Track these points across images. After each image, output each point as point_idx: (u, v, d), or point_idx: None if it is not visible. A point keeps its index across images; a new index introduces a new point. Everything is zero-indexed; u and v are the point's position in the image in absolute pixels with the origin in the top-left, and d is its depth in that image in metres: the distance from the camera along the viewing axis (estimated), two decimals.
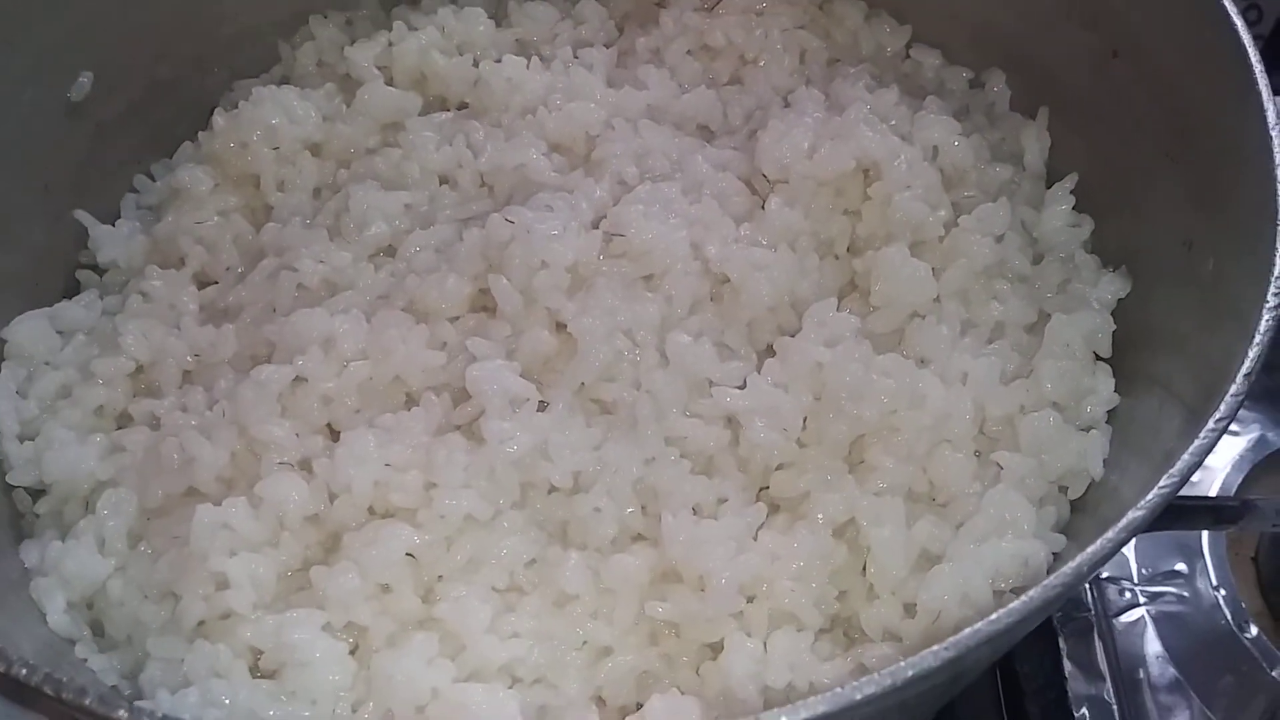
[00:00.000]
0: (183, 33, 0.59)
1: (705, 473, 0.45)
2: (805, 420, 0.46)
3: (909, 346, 0.48)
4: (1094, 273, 0.50)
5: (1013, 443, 0.45)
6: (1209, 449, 0.34)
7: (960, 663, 0.29)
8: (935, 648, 0.29)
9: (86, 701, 0.31)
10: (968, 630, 0.30)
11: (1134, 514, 0.34)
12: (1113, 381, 0.47)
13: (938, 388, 0.45)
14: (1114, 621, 0.63)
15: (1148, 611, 0.65)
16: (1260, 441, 0.70)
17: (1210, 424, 0.34)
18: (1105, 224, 0.51)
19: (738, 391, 0.46)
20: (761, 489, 0.46)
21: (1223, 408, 0.34)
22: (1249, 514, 0.59)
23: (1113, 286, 0.49)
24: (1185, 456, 0.33)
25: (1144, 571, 0.65)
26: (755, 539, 0.43)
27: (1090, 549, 0.32)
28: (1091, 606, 0.62)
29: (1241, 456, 0.70)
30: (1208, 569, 0.65)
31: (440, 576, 0.43)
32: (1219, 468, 0.68)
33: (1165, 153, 0.47)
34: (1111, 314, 0.48)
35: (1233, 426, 0.70)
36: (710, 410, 0.46)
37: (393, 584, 0.42)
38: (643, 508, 0.45)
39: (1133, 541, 0.64)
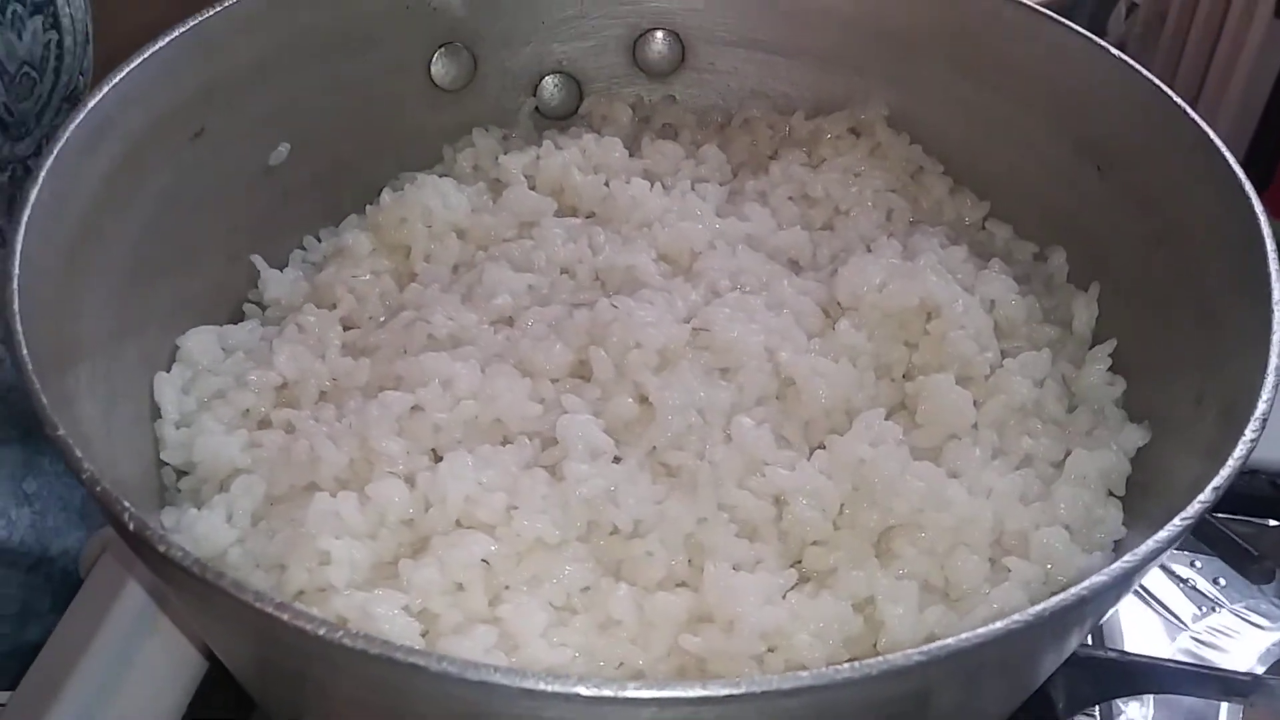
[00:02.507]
0: (366, 126, 0.70)
1: (749, 538, 0.51)
2: (842, 506, 0.52)
3: (944, 461, 0.54)
4: (1119, 424, 0.56)
5: (1024, 553, 0.51)
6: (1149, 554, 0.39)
7: (899, 681, 0.34)
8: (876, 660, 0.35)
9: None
10: (916, 650, 0.35)
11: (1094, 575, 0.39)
12: (1121, 515, 0.52)
13: (963, 496, 0.51)
14: None
15: None
16: None
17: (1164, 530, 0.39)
18: (1135, 383, 0.58)
19: (786, 472, 0.52)
20: (796, 562, 0.52)
21: (1176, 520, 0.39)
22: (1260, 690, 0.62)
23: (1134, 436, 0.55)
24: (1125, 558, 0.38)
25: None
26: (784, 598, 0.49)
27: (1057, 598, 0.37)
28: None
29: (1268, 650, 0.73)
30: None
31: (507, 586, 0.49)
32: (1245, 657, 0.72)
33: (1191, 325, 0.54)
34: (1130, 460, 0.54)
35: (1262, 621, 0.75)
36: (761, 486, 0.52)
37: (466, 584, 0.49)
38: (689, 560, 0.51)
39: (1150, 708, 0.69)
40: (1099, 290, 0.62)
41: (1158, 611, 0.76)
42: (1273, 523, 0.79)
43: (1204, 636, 0.75)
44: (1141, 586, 0.77)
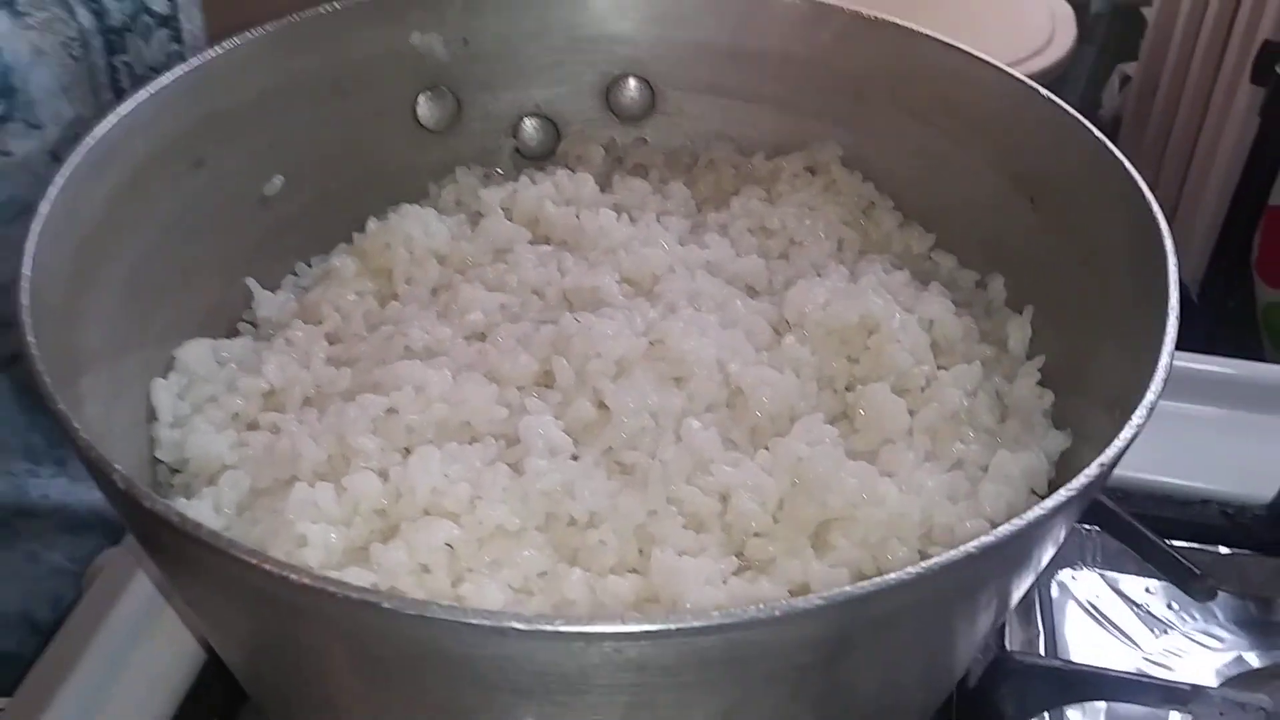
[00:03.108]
0: (355, 162, 0.75)
1: (695, 530, 0.55)
2: (782, 501, 0.56)
3: (879, 462, 0.58)
4: (1045, 431, 0.60)
5: (950, 544, 0.54)
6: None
7: (802, 625, 0.38)
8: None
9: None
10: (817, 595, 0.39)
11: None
12: None
13: (895, 493, 0.55)
14: None
15: None
16: (1237, 661, 0.77)
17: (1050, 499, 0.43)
18: (1061, 395, 0.62)
19: (731, 470, 0.56)
20: (738, 553, 0.56)
21: (1061, 491, 0.43)
22: (1198, 698, 0.66)
23: (1057, 441, 0.59)
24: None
25: None
26: (724, 582, 0.53)
27: (945, 555, 0.41)
28: None
29: (1217, 671, 0.76)
30: None
31: (469, 569, 0.53)
32: (1197, 676, 0.75)
33: (1107, 340, 0.58)
34: (1054, 464, 0.58)
35: (1212, 643, 0.79)
36: (708, 484, 0.56)
37: (431, 566, 0.53)
38: (639, 549, 0.55)
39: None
40: (1032, 313, 0.66)
41: (1112, 633, 0.79)
42: (1224, 550, 0.83)
43: (1157, 658, 0.78)
44: (1096, 609, 0.80)
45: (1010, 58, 2.51)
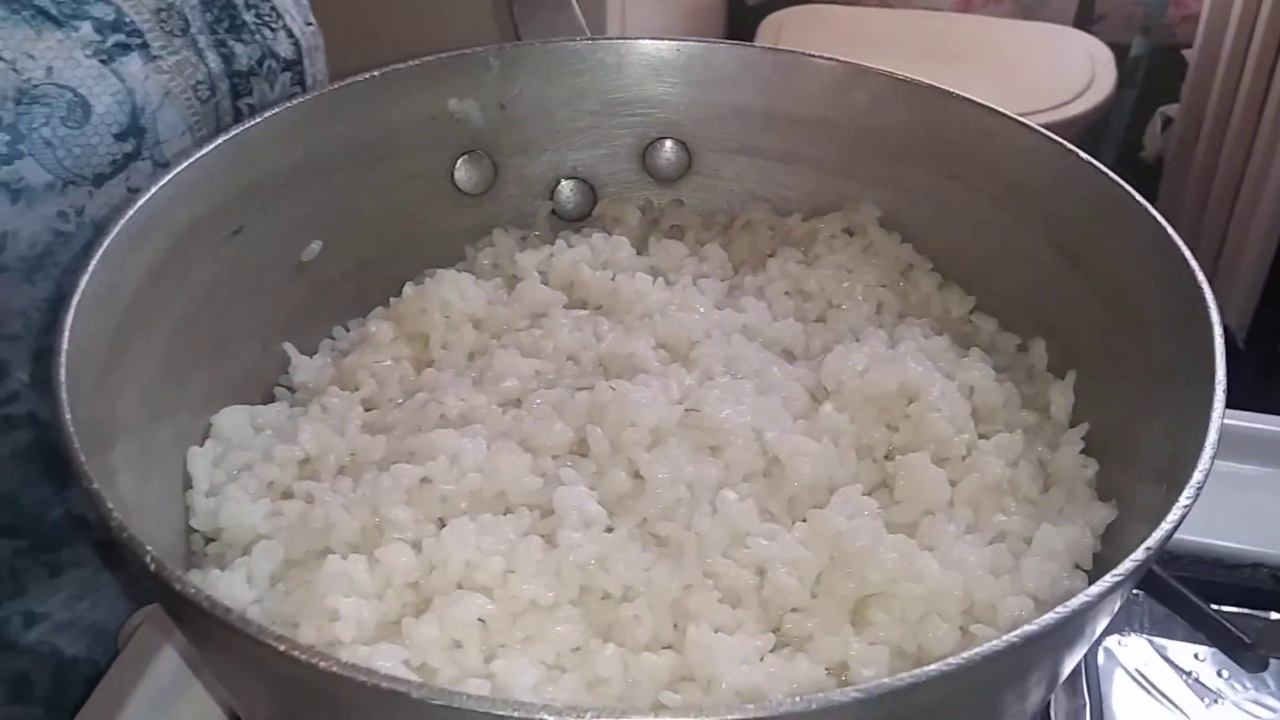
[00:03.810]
0: (393, 226, 0.75)
1: (731, 604, 0.54)
2: (820, 576, 0.55)
3: (919, 535, 0.57)
4: (1089, 502, 0.59)
5: (992, 621, 0.53)
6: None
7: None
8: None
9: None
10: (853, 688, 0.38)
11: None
12: (1087, 586, 0.54)
13: (935, 568, 0.54)
14: None
15: None
16: None
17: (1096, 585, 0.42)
18: (1106, 464, 0.61)
19: (768, 543, 0.55)
20: (775, 629, 0.55)
21: (1107, 577, 0.42)
22: None
23: (1102, 514, 0.57)
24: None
25: None
26: (761, 660, 0.52)
27: (987, 645, 0.40)
28: None
29: None
30: None
31: (502, 644, 0.53)
32: None
33: (1153, 410, 0.57)
34: (1100, 537, 0.57)
35: (1265, 714, 0.76)
36: (744, 556, 0.55)
37: (464, 641, 0.52)
38: (674, 624, 0.54)
39: None
40: (1075, 378, 0.65)
41: (1161, 703, 0.78)
42: (1275, 615, 0.81)
43: None
44: (1144, 677, 0.78)
45: (1051, 101, 2.51)
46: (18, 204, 0.68)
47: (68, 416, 0.48)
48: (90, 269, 0.55)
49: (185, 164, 0.62)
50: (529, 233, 0.78)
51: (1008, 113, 0.68)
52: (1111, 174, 0.63)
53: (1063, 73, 2.62)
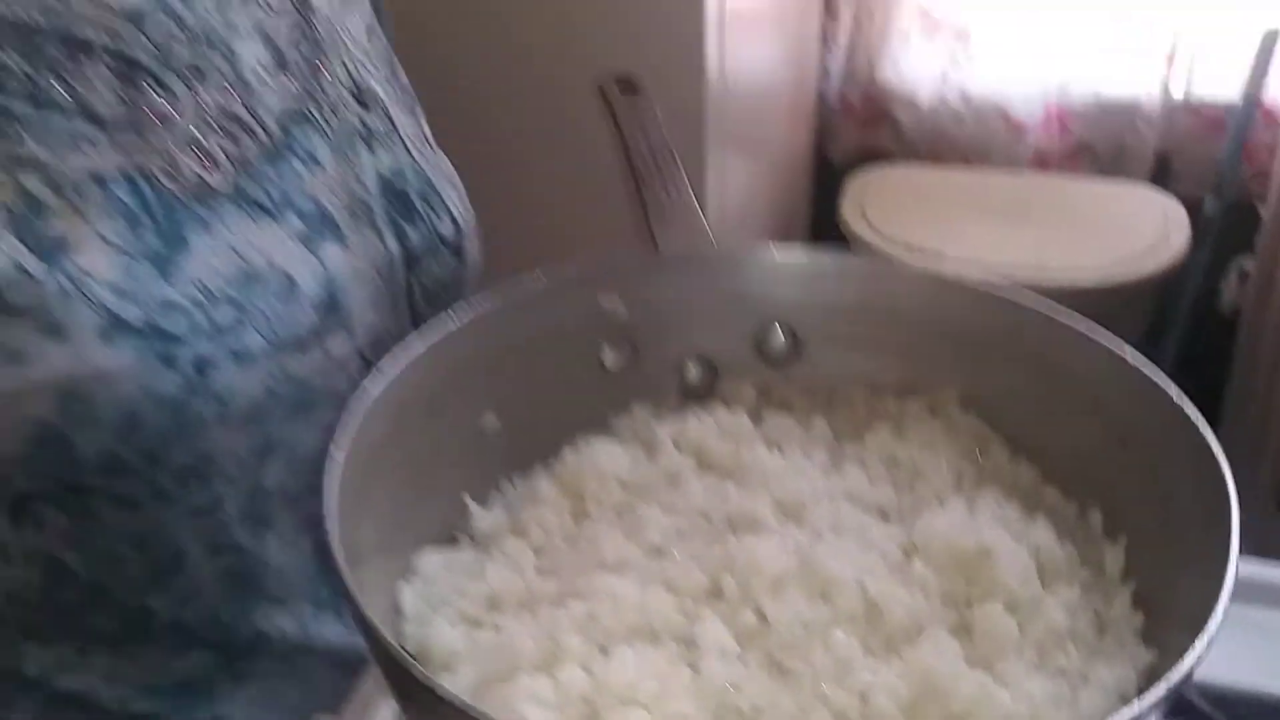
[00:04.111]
0: (551, 399, 0.90)
1: None
2: (913, 703, 0.67)
3: (994, 672, 0.69)
4: (1135, 647, 0.71)
5: None
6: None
7: None
8: None
9: None
10: None
11: None
12: None
13: (1007, 699, 0.66)
14: None
15: None
16: None
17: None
18: (1151, 616, 0.73)
19: (869, 676, 0.68)
20: None
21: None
22: None
23: (1145, 657, 0.69)
24: None
25: None
26: None
27: None
28: None
29: None
30: None
31: None
32: None
33: (1187, 571, 0.70)
34: (1142, 675, 0.69)
35: None
36: (851, 684, 0.67)
37: None
38: None
39: None
40: (1125, 542, 0.78)
41: None
42: None
43: None
44: None
45: (1126, 257, 2.63)
46: (240, 367, 0.79)
47: (340, 554, 0.63)
48: (343, 443, 0.71)
49: (403, 360, 0.78)
50: (663, 405, 0.94)
51: (1069, 321, 0.82)
52: (1151, 372, 0.76)
53: (1137, 230, 2.74)
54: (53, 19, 0.73)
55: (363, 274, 0.90)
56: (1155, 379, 0.76)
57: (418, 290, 0.97)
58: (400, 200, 0.93)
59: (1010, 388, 0.87)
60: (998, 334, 0.86)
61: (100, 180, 0.74)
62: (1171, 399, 0.74)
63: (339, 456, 0.70)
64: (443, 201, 0.98)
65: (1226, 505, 0.66)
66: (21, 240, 0.70)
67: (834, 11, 3.11)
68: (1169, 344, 2.96)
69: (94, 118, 0.74)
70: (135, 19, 0.77)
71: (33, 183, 0.71)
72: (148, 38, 0.79)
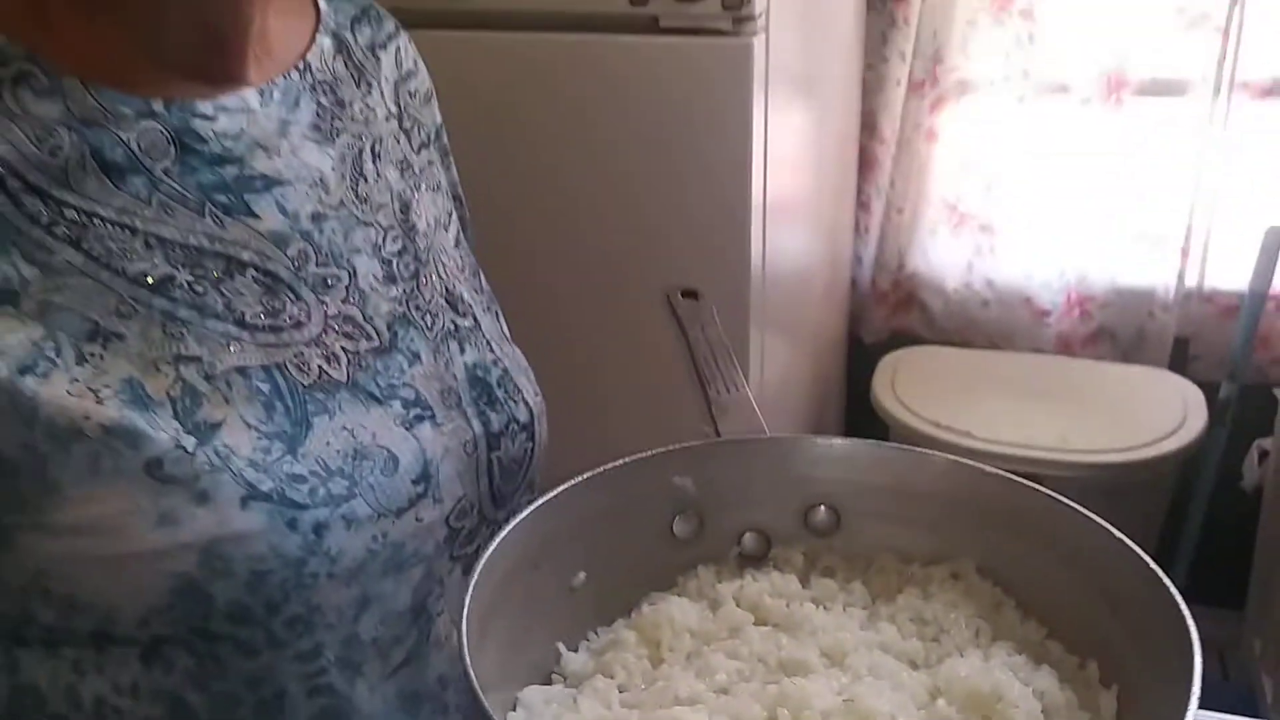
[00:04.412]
0: (628, 561, 1.06)
1: None
2: None
3: None
4: None
5: None
6: None
7: None
8: None
9: None
10: None
11: None
12: None
13: None
14: None
15: None
16: None
17: None
18: None
19: None
20: None
21: None
22: None
23: None
24: None
25: None
26: None
27: None
28: None
29: None
30: None
31: None
32: None
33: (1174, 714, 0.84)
34: None
35: None
36: None
37: None
38: None
39: None
40: (1117, 689, 0.92)
41: None
42: None
43: None
44: None
45: (1145, 439, 2.78)
46: (349, 530, 0.89)
47: (477, 685, 0.79)
48: (467, 603, 0.87)
49: (510, 529, 0.95)
50: (724, 568, 1.10)
51: (1069, 503, 0.97)
52: (1141, 553, 0.91)
53: (1156, 413, 2.89)
54: (215, 243, 0.87)
55: (452, 451, 0.99)
56: (1141, 556, 0.92)
57: (496, 466, 1.05)
58: (484, 389, 1.05)
59: (1020, 559, 1.03)
60: (1010, 514, 1.03)
61: (244, 373, 0.86)
62: (1154, 573, 0.90)
63: (472, 606, 0.86)
64: (518, 390, 1.09)
65: (1191, 661, 0.81)
66: (180, 423, 0.82)
67: (866, 204, 3.34)
68: (1194, 519, 3.08)
69: (242, 322, 0.87)
70: (279, 242, 0.91)
71: (191, 375, 0.83)
72: (288, 257, 0.91)
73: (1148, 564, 0.90)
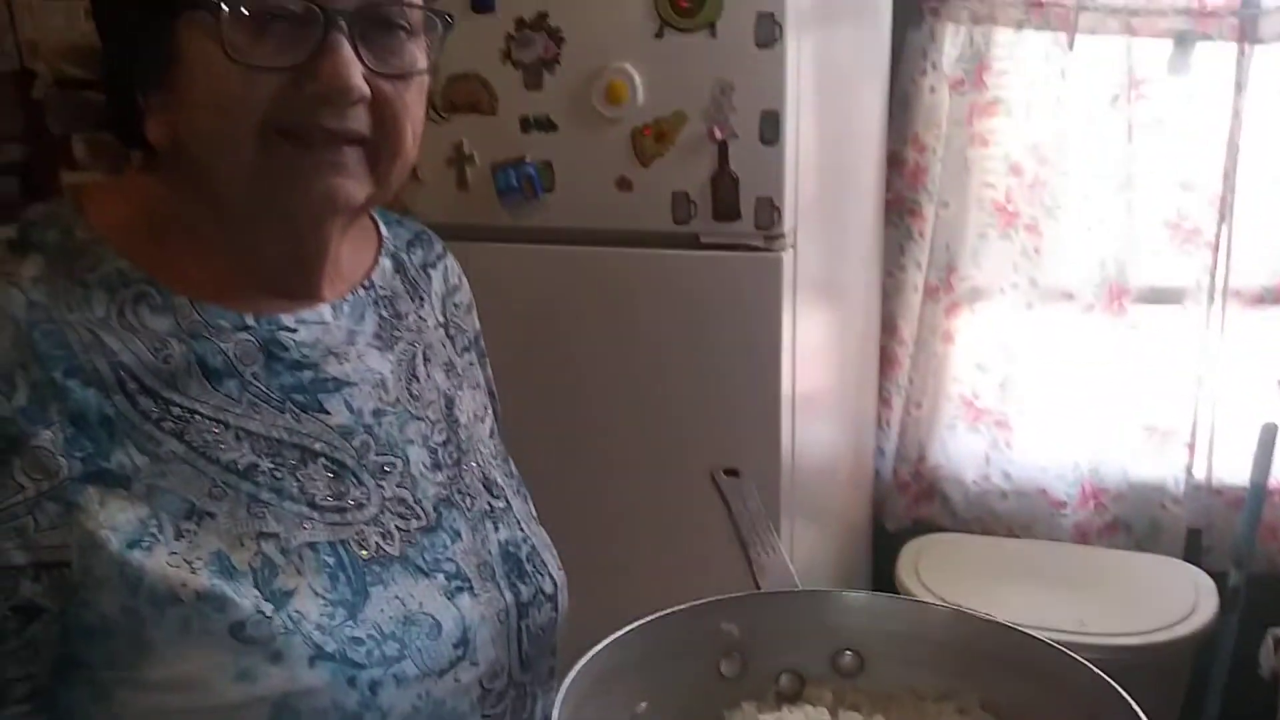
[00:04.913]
0: (680, 699, 1.24)
1: None
2: None
3: None
4: None
5: None
6: None
7: None
8: None
9: None
10: None
11: None
12: None
13: None
14: None
15: None
16: None
17: None
18: None
19: None
20: None
21: None
22: None
23: None
24: None
25: None
26: None
27: None
28: None
29: None
30: None
31: None
32: None
33: None
34: None
35: None
36: None
37: None
38: None
39: None
40: None
41: None
42: None
43: None
44: None
45: (1157, 625, 2.89)
46: (399, 688, 0.98)
47: None
48: (560, 699, 1.05)
49: (575, 672, 1.11)
50: (764, 704, 1.27)
51: (1057, 646, 1.15)
52: (1126, 696, 1.09)
53: (1168, 600, 3.00)
54: (293, 435, 1.00)
55: (487, 619, 1.09)
56: (1124, 695, 1.09)
57: (525, 633, 1.14)
58: (515, 563, 1.16)
59: (1015, 693, 1.20)
60: (1010, 654, 1.21)
61: (314, 548, 0.97)
62: (1135, 710, 1.07)
63: (563, 709, 1.05)
64: (545, 564, 1.20)
65: None
66: (260, 590, 0.93)
67: (887, 399, 3.52)
68: (1211, 706, 3.15)
69: (313, 503, 0.99)
70: (346, 435, 1.04)
71: (270, 549, 0.95)
72: (353, 447, 1.04)
73: (1132, 706, 1.07)
